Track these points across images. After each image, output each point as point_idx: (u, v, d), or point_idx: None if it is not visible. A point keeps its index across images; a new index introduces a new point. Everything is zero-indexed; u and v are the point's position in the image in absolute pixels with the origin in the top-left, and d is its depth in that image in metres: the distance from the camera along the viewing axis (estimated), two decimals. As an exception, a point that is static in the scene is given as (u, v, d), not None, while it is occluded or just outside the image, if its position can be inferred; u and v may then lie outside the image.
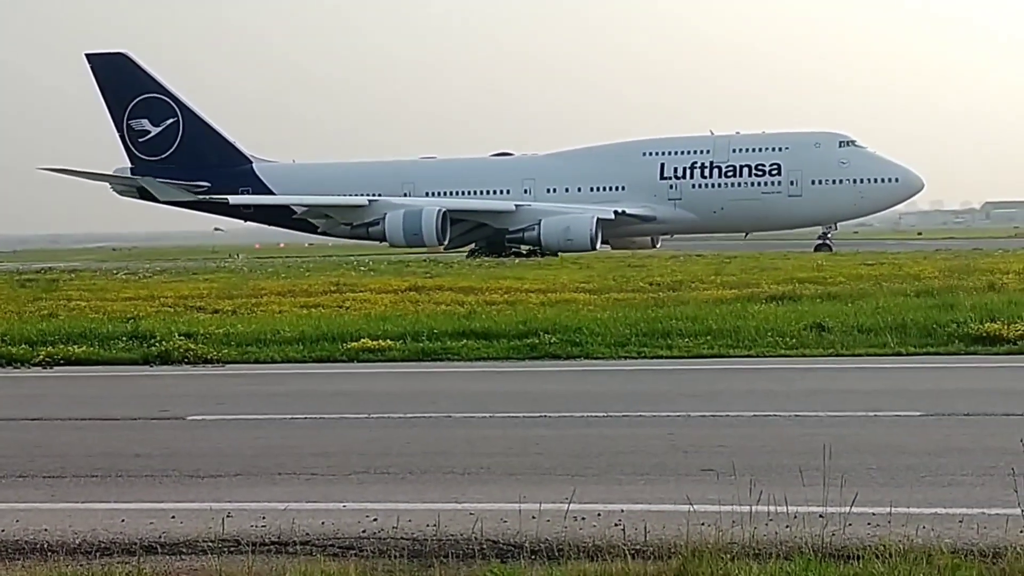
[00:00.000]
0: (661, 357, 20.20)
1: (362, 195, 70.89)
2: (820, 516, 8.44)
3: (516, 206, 69.26)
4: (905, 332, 21.17)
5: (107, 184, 79.08)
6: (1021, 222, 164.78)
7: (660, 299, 28.30)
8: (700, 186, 70.29)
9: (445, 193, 72.12)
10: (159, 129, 77.07)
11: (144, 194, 77.25)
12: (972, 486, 10.01)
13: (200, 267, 57.36)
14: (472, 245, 71.43)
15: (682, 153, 71.14)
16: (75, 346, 21.87)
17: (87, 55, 77.83)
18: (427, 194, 71.64)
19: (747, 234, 77.14)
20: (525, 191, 72.15)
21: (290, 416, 14.86)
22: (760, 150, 70.03)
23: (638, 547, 8.24)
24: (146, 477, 11.30)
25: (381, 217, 68.49)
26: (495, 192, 72.49)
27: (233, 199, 71.88)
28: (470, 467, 11.36)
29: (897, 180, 68.88)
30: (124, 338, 22.70)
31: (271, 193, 75.03)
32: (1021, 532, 7.72)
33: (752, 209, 69.54)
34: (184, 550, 8.72)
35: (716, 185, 70.03)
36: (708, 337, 21.26)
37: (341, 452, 12.32)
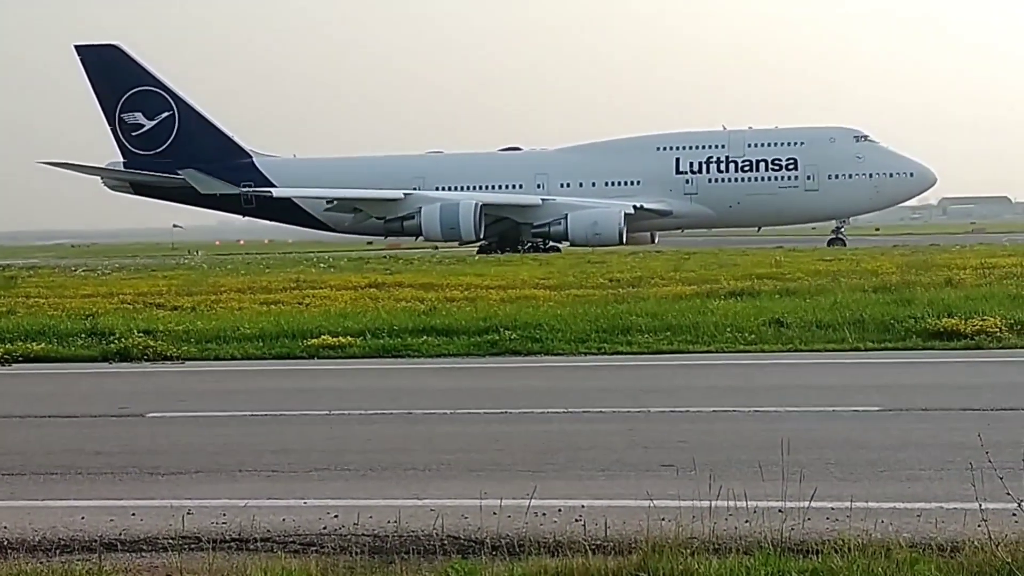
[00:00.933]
0: (621, 353, 20.25)
1: (396, 189, 69.97)
2: (779, 511, 8.49)
3: (542, 200, 68.82)
4: (863, 327, 21.32)
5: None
6: (978, 218, 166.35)
7: (620, 295, 28.37)
8: (716, 180, 70.45)
9: (457, 188, 71.13)
10: (154, 123, 75.60)
11: (138, 189, 76.17)
12: (930, 481, 10.09)
13: (159, 264, 57.04)
14: (482, 241, 70.63)
15: (697, 148, 71.23)
16: (33, 343, 21.69)
17: (76, 47, 76.15)
18: (437, 189, 70.80)
19: (760, 228, 77.38)
20: (538, 185, 71.66)
21: (250, 413, 14.80)
22: (776, 145, 70.32)
23: (599, 542, 8.26)
24: (106, 475, 11.23)
25: (416, 211, 67.78)
26: (508, 187, 71.81)
27: (276, 191, 70.44)
28: (431, 463, 11.36)
29: (912, 175, 69.85)
30: (83, 335, 22.54)
31: (272, 183, 73.80)
32: (979, 526, 7.77)
33: (769, 203, 69.87)
34: (144, 547, 8.67)
35: (733, 180, 70.20)
36: (668, 333, 21.33)
37: (302, 449, 12.28)
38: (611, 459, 11.35)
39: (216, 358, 20.85)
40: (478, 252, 67.50)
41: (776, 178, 69.71)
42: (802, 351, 20.00)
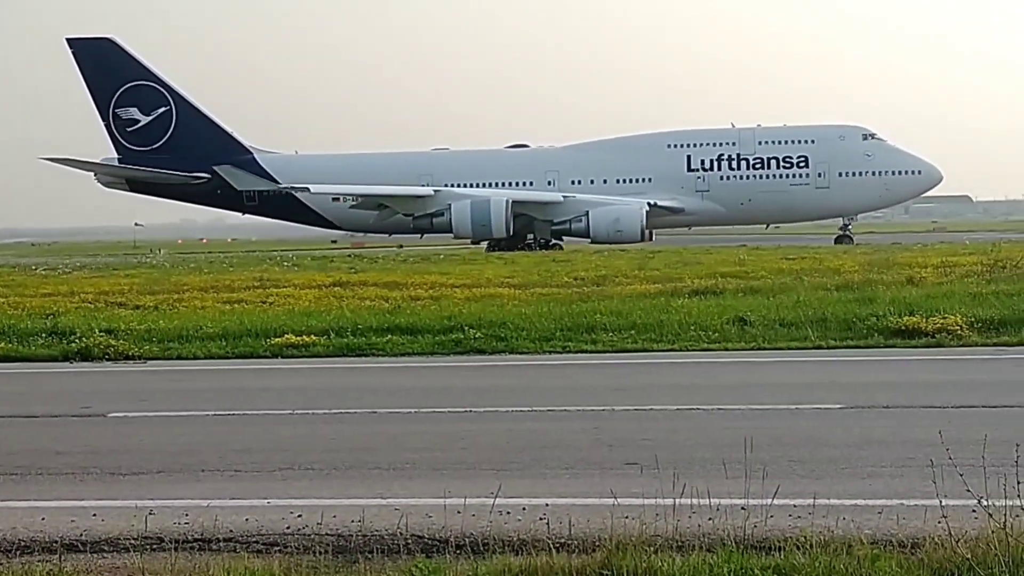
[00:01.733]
0: (585, 351, 20.29)
1: (423, 185, 69.61)
2: (742, 508, 8.52)
3: (563, 197, 68.68)
4: (825, 325, 21.44)
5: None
6: (939, 217, 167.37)
7: (584, 294, 28.43)
8: (728, 178, 70.84)
9: (466, 185, 70.67)
10: (150, 118, 74.22)
11: (134, 186, 74.89)
12: (891, 478, 10.17)
13: (121, 263, 56.69)
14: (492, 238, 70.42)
15: (708, 145, 71.59)
16: (-7, 343, 21.53)
17: (68, 40, 74.68)
18: (446, 186, 70.22)
19: (768, 226, 78.20)
20: (549, 183, 71.51)
21: (213, 412, 14.73)
22: (786, 142, 70.94)
23: (563, 540, 8.27)
24: (67, 475, 11.16)
25: (446, 208, 67.39)
26: (518, 184, 71.50)
27: (314, 188, 69.15)
28: (395, 463, 11.35)
29: (920, 172, 70.81)
30: (43, 334, 22.39)
31: (275, 180, 72.61)
32: (939, 523, 7.83)
33: (780, 201, 70.45)
34: (106, 548, 8.62)
35: (744, 177, 70.69)
36: (632, 331, 21.38)
37: (265, 448, 12.24)
38: (575, 457, 11.37)
39: (179, 357, 20.75)
40: (487, 249, 67.47)
41: (787, 176, 70.41)
42: (765, 349, 20.09)
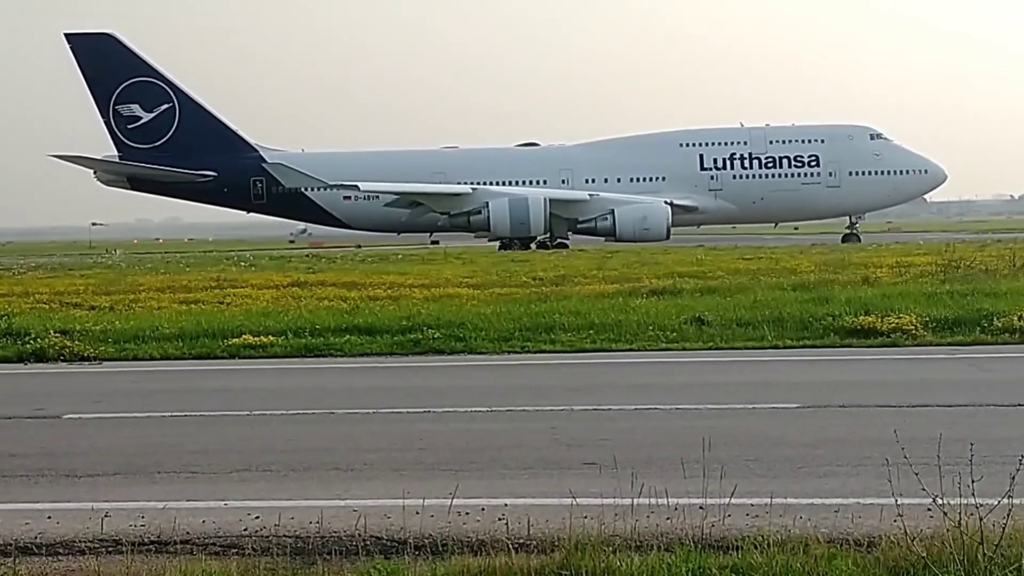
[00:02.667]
0: (544, 351, 20.31)
1: (464, 183, 69.37)
2: (700, 508, 8.55)
3: (589, 195, 68.83)
4: (782, 325, 21.55)
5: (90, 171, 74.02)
6: (894, 217, 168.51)
7: (543, 294, 28.44)
8: (740, 177, 71.54)
9: (481, 184, 70.35)
10: (152, 115, 72.86)
11: (136, 184, 73.63)
12: (848, 477, 10.23)
13: (77, 263, 56.25)
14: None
15: (720, 144, 72.20)
16: (-54, 344, 21.31)
17: (67, 35, 73.18)
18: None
19: (776, 224, 79.07)
20: (563, 181, 71.59)
21: (170, 414, 14.63)
22: (797, 142, 71.78)
23: (521, 541, 8.27)
24: (21, 477, 11.05)
25: (483, 206, 67.33)
26: (531, 182, 71.35)
27: (364, 186, 68.28)
28: (353, 463, 11.31)
29: (926, 172, 72.18)
30: (-3, 335, 22.17)
31: (287, 183, 71.64)
32: (895, 522, 7.88)
33: (791, 199, 71.26)
34: (61, 551, 8.55)
35: (756, 176, 71.42)
36: (591, 331, 21.42)
37: (222, 450, 12.18)
38: (534, 458, 11.37)
39: (135, 358, 20.60)
40: (500, 248, 67.37)
41: (799, 175, 71.26)
42: (723, 349, 20.17)
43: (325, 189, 70.35)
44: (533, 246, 68.00)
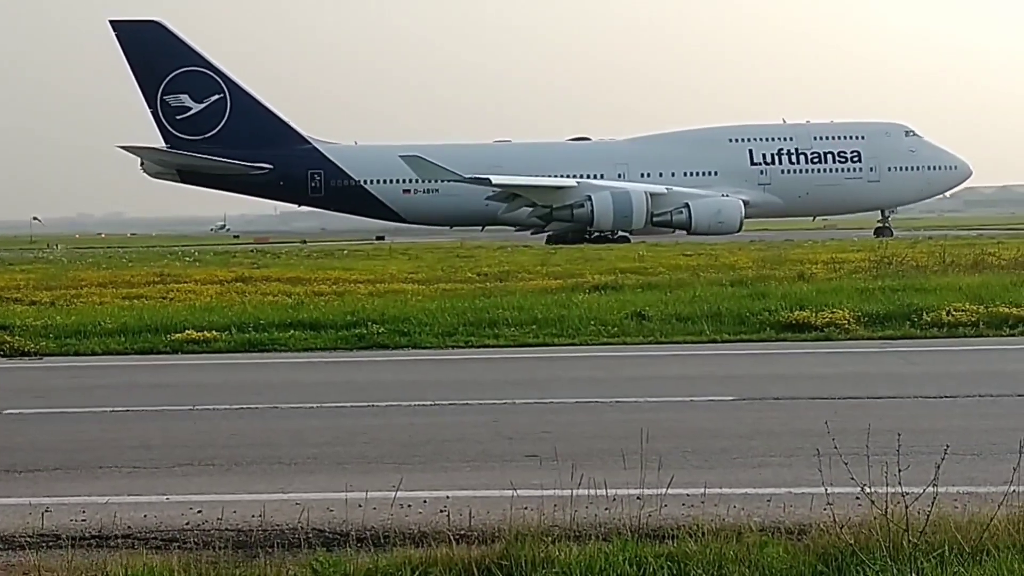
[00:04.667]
0: (488, 346, 20.36)
1: (567, 176, 69.68)
2: (638, 498, 8.64)
3: (667, 189, 69.61)
4: (720, 320, 21.74)
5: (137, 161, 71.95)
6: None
7: (487, 289, 28.49)
8: (788, 172, 73.13)
9: (582, 177, 70.61)
10: (202, 106, 71.16)
11: (186, 176, 72.12)
12: (780, 467, 10.37)
13: (17, 257, 55.59)
14: (548, 231, 70.84)
15: (768, 140, 73.71)
16: None
17: (112, 22, 71.37)
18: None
19: (814, 218, 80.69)
20: (619, 175, 71.90)
21: (111, 409, 14.54)
22: (840, 138, 73.74)
23: (463, 532, 8.32)
24: (-38, 473, 10.95)
25: (585, 199, 67.82)
26: (589, 176, 71.27)
27: (495, 179, 67.91)
28: (297, 457, 11.32)
29: (956, 168, 74.89)
30: (-62, 331, 21.89)
31: (346, 175, 71.69)
32: (825, 510, 8.01)
33: (835, 194, 73.15)
34: (1, 546, 8.49)
35: (803, 171, 73.13)
36: (533, 326, 21.50)
37: (164, 444, 12.13)
38: (476, 450, 11.43)
39: (76, 353, 20.42)
40: (547, 242, 67.66)
41: (842, 170, 73.12)
42: (662, 343, 20.32)
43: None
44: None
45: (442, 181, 69.46)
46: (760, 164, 73.19)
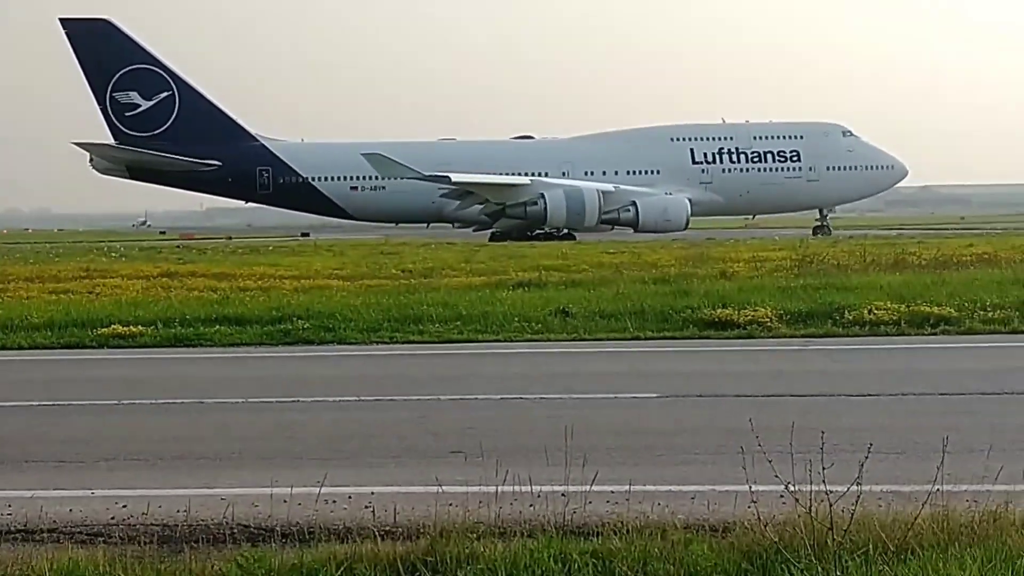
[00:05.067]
0: (413, 342, 20.25)
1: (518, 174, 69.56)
2: (562, 495, 8.58)
3: (615, 187, 69.80)
4: (643, 317, 21.77)
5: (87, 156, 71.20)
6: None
7: (412, 286, 28.38)
8: (729, 171, 73.80)
9: (534, 175, 70.52)
10: (151, 103, 70.89)
11: (135, 172, 71.44)
12: (704, 464, 10.37)
13: (-58, 251, 54.58)
14: (493, 228, 70.73)
15: (709, 139, 74.28)
16: None
17: (62, 20, 70.82)
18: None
19: (754, 216, 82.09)
20: (563, 173, 71.86)
21: (37, 403, 14.27)
22: (779, 138, 74.61)
23: (387, 528, 8.22)
24: None
25: (538, 197, 67.80)
26: (534, 175, 71.10)
27: (455, 176, 67.62)
28: (222, 452, 11.15)
29: (892, 167, 76.24)
30: None
31: (294, 171, 71.33)
32: (749, 508, 7.99)
33: (775, 193, 74.00)
34: (-78, 542, 8.26)
35: (744, 170, 73.91)
36: (458, 323, 21.41)
37: (90, 439, 11.91)
38: (401, 446, 11.33)
39: (2, 348, 20.05)
40: (491, 239, 67.49)
41: (782, 169, 74.09)
42: (586, 340, 20.32)
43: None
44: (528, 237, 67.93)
45: (392, 178, 69.54)
46: (702, 163, 73.97)
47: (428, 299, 23.92)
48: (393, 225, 77.77)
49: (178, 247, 58.35)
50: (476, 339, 20.39)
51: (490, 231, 71.55)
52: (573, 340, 20.33)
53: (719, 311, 21.61)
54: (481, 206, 70.04)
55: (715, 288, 25.26)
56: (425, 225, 76.56)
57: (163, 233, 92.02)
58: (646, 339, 20.37)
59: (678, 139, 74.63)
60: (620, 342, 20.12)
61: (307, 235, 79.15)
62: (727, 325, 20.95)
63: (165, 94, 71.54)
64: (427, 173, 67.24)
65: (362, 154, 68.47)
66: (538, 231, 69.48)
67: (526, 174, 71.14)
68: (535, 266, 34.30)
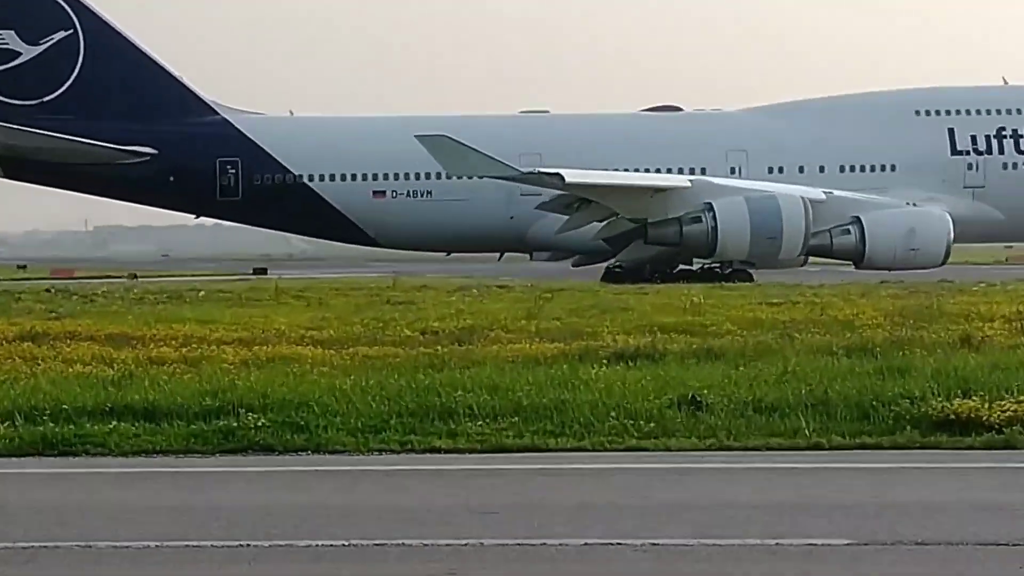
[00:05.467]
0: (440, 450, 20.39)
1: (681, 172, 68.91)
2: None
3: (824, 193, 67.53)
4: (828, 412, 21.76)
5: None
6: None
7: (439, 356, 28.49)
8: (1014, 166, 72.03)
9: (695, 173, 69.74)
10: (39, 50, 70.24)
11: (9, 167, 70.22)
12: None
13: None
14: (615, 260, 69.70)
15: (980, 113, 72.40)
16: None
17: None
18: (672, 174, 69.50)
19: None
20: (732, 170, 70.91)
21: None
22: None
23: None
24: None
25: (702, 209, 65.96)
26: (677, 172, 70.50)
27: (569, 175, 65.59)
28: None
29: None
30: None
31: (279, 166, 70.74)
32: None
33: None
34: None
35: None
36: (515, 419, 21.53)
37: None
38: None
39: None
40: (604, 278, 67.36)
41: None
42: (730, 449, 20.36)
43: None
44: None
45: (456, 177, 68.59)
46: (967, 153, 72.12)
47: (466, 379, 24.06)
48: (444, 255, 76.91)
49: (49, 291, 58.87)
50: (545, 446, 20.50)
51: (605, 265, 70.64)
52: (708, 449, 20.39)
53: (957, 403, 21.57)
54: (602, 224, 68.06)
55: (951, 365, 25.20)
56: (497, 256, 76.03)
57: (22, 267, 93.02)
58: (832, 448, 20.39)
59: (928, 112, 72.68)
60: (789, 453, 20.15)
61: (263, 272, 79.63)
62: (971, 426, 20.91)
63: (62, 35, 70.92)
64: (530, 170, 65.67)
65: (416, 136, 66.64)
66: (704, 266, 68.19)
67: (668, 170, 70.65)
68: (646, 325, 34.33)
